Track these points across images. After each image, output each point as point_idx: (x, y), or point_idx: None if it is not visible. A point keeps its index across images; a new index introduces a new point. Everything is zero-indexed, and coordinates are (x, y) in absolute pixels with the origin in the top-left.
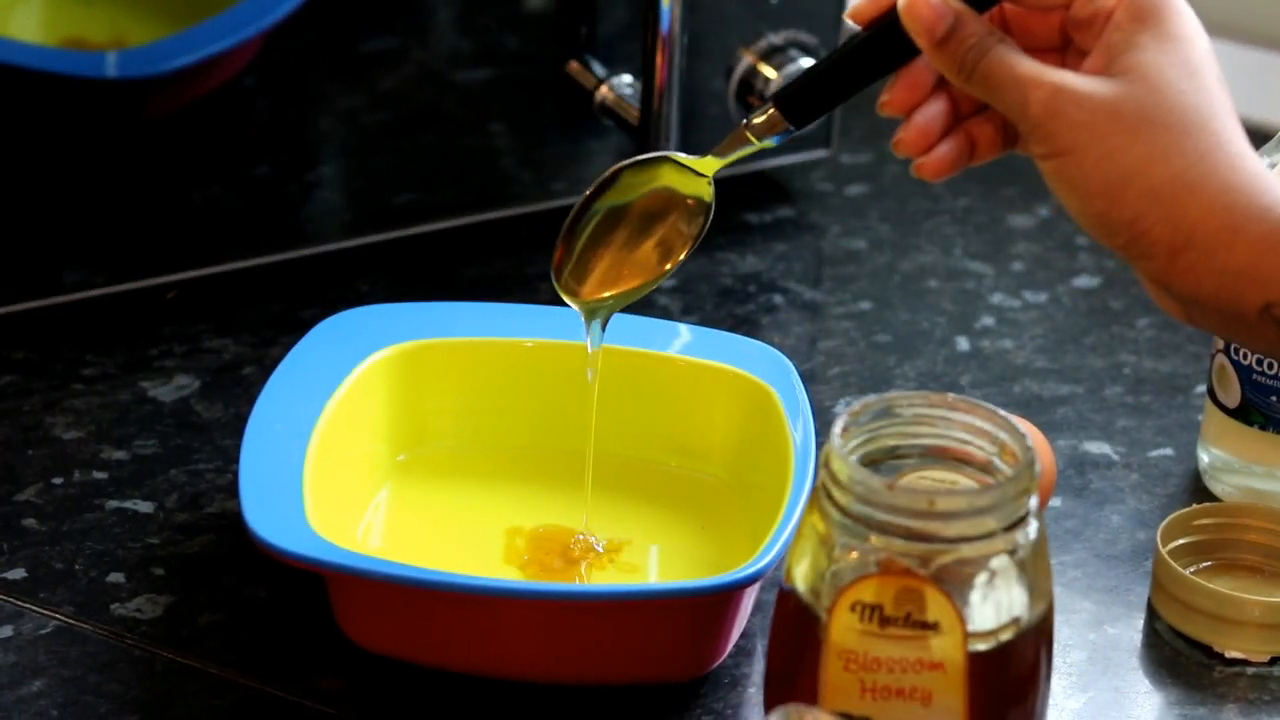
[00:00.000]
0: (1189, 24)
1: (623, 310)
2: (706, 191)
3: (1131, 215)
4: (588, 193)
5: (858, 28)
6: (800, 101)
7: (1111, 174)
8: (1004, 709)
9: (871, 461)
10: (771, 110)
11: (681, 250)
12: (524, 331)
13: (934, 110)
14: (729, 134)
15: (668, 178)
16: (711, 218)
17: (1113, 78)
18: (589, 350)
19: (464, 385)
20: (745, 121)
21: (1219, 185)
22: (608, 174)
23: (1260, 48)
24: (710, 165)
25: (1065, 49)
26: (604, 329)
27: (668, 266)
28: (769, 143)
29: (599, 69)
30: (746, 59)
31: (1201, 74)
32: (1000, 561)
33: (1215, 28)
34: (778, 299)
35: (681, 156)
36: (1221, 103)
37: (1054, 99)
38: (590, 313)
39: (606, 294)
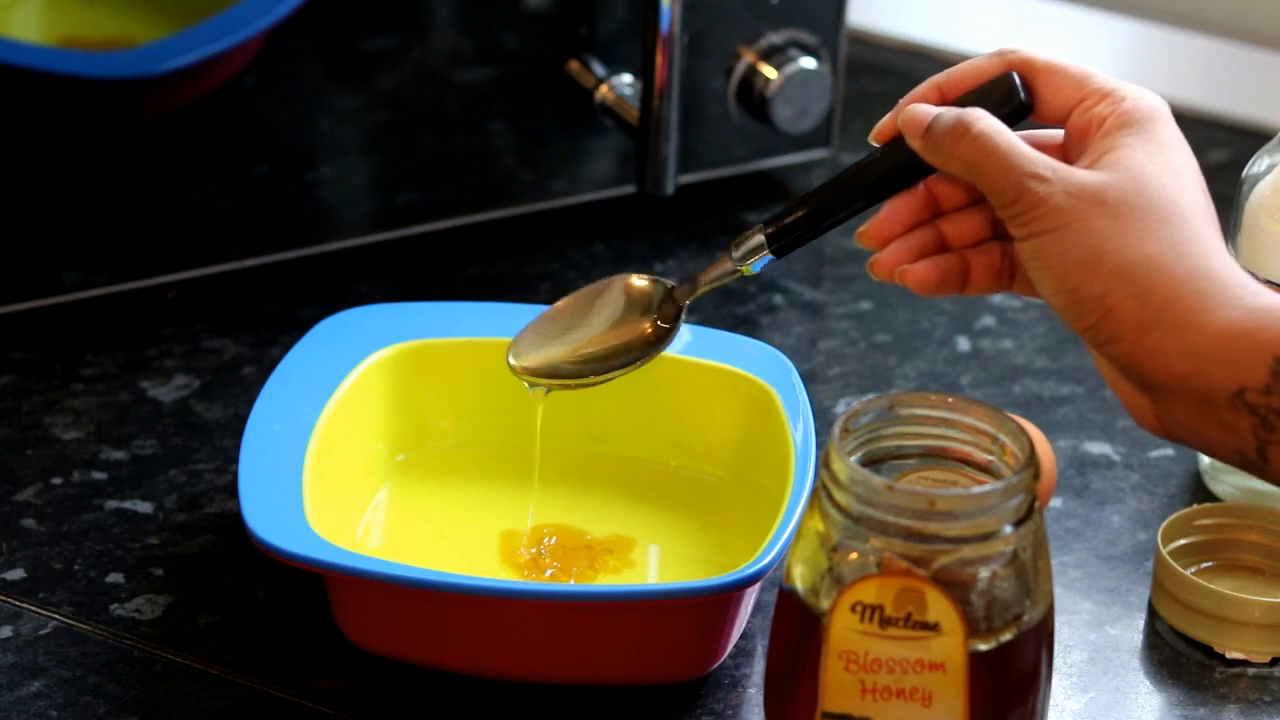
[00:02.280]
0: (1175, 135)
1: None
2: (673, 320)
3: (1102, 290)
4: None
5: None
6: (785, 228)
7: (1086, 249)
8: (1005, 710)
9: (872, 462)
10: (756, 235)
11: (632, 365)
12: None
13: (918, 238)
14: (713, 262)
15: (643, 291)
16: (672, 341)
17: (1099, 170)
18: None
19: (464, 385)
20: (730, 248)
21: (1190, 271)
22: (603, 282)
23: (1260, 47)
24: (685, 295)
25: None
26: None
27: (613, 374)
28: (748, 269)
29: (599, 68)
30: (746, 59)
31: (1184, 177)
32: (1001, 562)
33: (1215, 28)
34: (778, 299)
35: (666, 282)
36: (1202, 205)
37: (1045, 190)
38: (531, 385)
39: (553, 380)
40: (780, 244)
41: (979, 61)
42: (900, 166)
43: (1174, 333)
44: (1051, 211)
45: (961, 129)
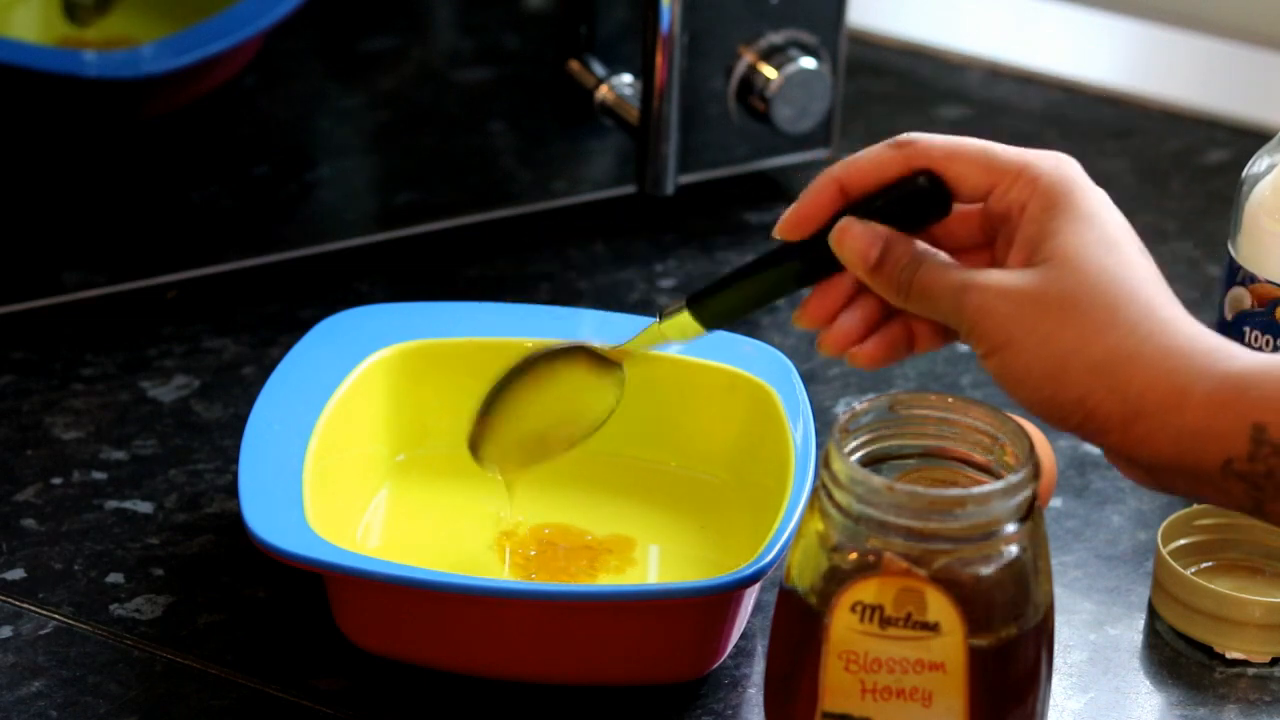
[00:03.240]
0: (1100, 202)
1: (623, 310)
2: (618, 380)
3: (1078, 393)
4: (501, 376)
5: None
6: (710, 305)
7: (1049, 359)
8: (1005, 709)
9: (872, 462)
10: (682, 309)
11: (588, 431)
12: (524, 331)
13: (856, 315)
14: (643, 329)
15: (582, 365)
16: (618, 404)
17: (1034, 267)
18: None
19: (463, 385)
20: (658, 316)
21: (1157, 351)
22: (521, 361)
23: (1260, 47)
24: (622, 355)
25: (992, 244)
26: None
27: (574, 442)
28: (679, 340)
29: (599, 69)
30: (746, 59)
31: (1120, 248)
32: (1001, 562)
33: (1215, 27)
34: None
35: (596, 346)
36: (1146, 272)
37: (981, 298)
38: (509, 484)
39: (521, 468)
40: (705, 318)
41: (875, 154)
42: (826, 262)
43: (1157, 418)
44: (997, 324)
45: (909, 269)
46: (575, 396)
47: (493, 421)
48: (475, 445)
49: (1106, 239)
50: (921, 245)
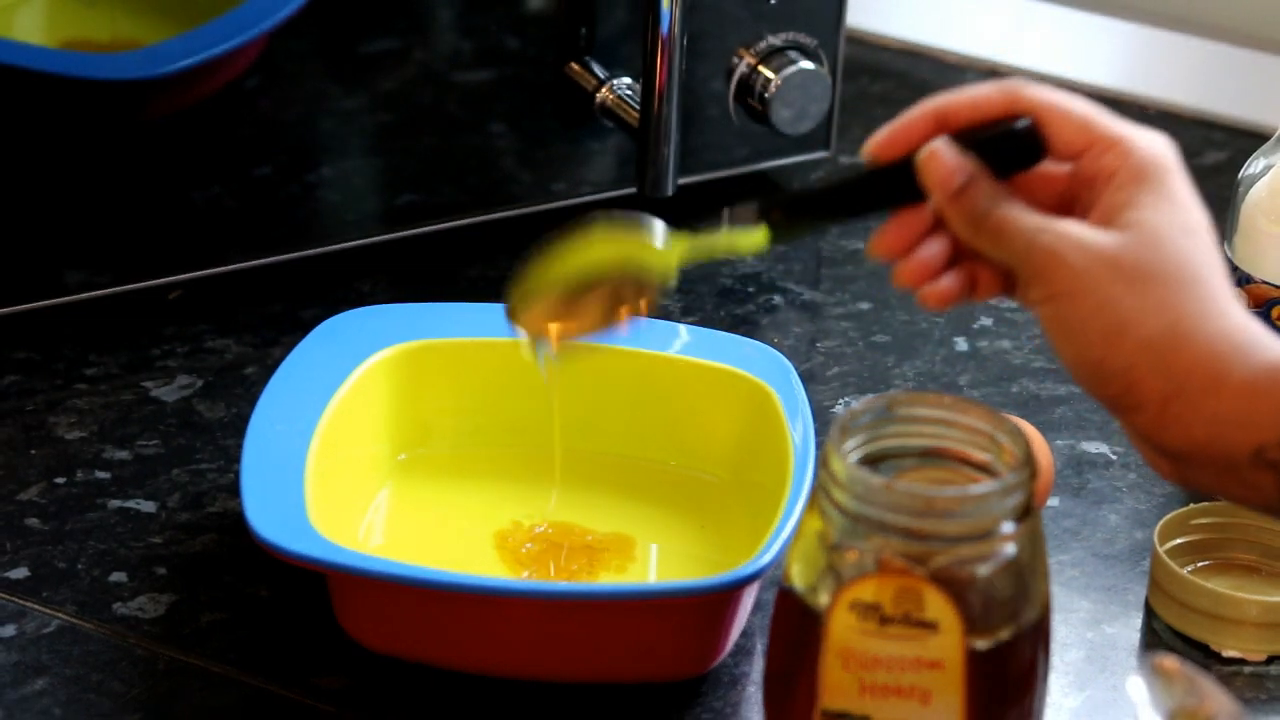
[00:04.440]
0: (1187, 190)
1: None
2: (669, 268)
3: (1125, 364)
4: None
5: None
6: (786, 219)
7: (1109, 322)
8: (1002, 708)
9: (870, 461)
10: (758, 220)
11: (627, 314)
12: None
13: (935, 249)
14: (711, 233)
15: (634, 242)
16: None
17: (1114, 230)
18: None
19: (465, 385)
20: (726, 221)
21: (1208, 337)
22: (576, 227)
23: (1256, 50)
24: (677, 248)
25: (1069, 213)
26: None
27: (619, 319)
28: (742, 252)
29: (599, 70)
30: (746, 60)
31: (1197, 235)
32: (999, 561)
33: (1212, 30)
34: (777, 299)
35: (657, 226)
36: (1214, 262)
37: (1058, 242)
38: (535, 342)
39: (554, 334)
40: (774, 222)
41: (981, 93)
42: (909, 189)
43: (1194, 402)
44: (1066, 271)
45: (987, 205)
46: (620, 272)
47: (538, 295)
48: (514, 310)
49: (1187, 224)
50: (1002, 189)
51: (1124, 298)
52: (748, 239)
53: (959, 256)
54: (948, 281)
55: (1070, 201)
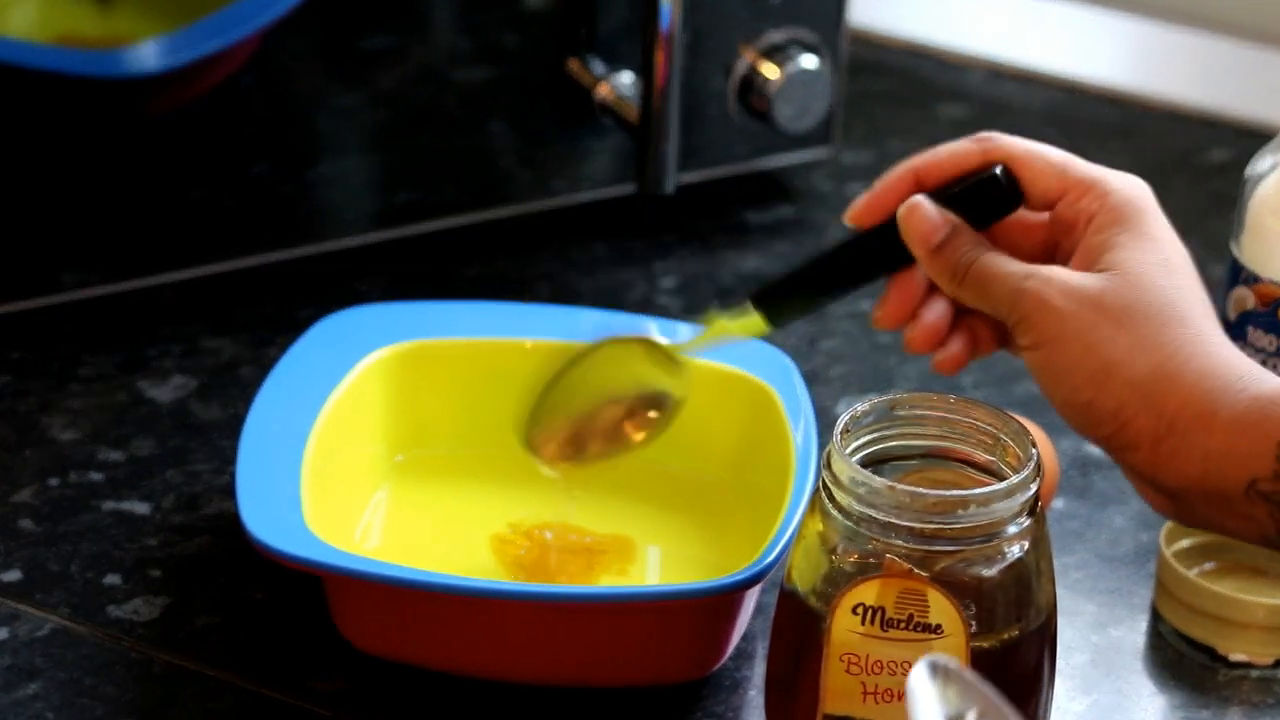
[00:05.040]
0: (1165, 228)
1: (623, 310)
2: (681, 381)
3: (1115, 405)
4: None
5: (853, 229)
6: (779, 302)
7: (1097, 364)
8: None
9: (873, 462)
10: (746, 306)
11: (646, 436)
12: (523, 331)
13: (939, 310)
14: (705, 329)
15: (641, 360)
16: (683, 404)
17: (1096, 273)
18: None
19: (462, 386)
20: (720, 315)
21: (1195, 373)
22: (588, 345)
23: (1263, 46)
24: (682, 354)
25: (1051, 259)
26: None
27: (635, 441)
28: (741, 339)
29: (599, 67)
30: (747, 58)
31: (1179, 273)
32: (1003, 563)
33: (1218, 26)
34: None
35: (657, 339)
36: (1198, 299)
37: (1042, 288)
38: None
39: (577, 464)
40: (767, 308)
41: (957, 148)
42: (896, 252)
43: (1186, 438)
44: (1052, 316)
45: (969, 257)
46: (633, 392)
47: (548, 416)
48: (532, 443)
49: (1167, 263)
50: (983, 241)
51: (1111, 339)
52: (746, 327)
53: (959, 316)
54: (955, 345)
55: (1051, 249)
